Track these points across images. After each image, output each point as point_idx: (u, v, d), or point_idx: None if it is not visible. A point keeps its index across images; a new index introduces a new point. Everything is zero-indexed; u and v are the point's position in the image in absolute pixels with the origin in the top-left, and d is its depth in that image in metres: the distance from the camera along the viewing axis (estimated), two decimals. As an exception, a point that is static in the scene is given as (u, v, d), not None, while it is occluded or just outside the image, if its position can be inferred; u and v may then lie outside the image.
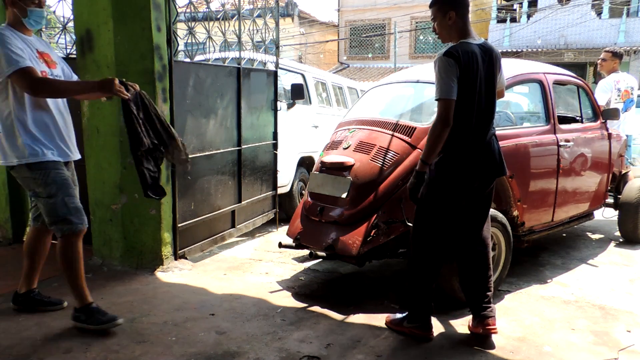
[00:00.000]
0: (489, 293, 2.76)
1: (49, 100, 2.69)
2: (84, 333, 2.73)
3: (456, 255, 2.82)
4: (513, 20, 20.38)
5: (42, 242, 2.98)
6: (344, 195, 3.29)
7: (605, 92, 5.32)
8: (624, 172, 4.93)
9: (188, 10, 4.07)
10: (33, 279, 3.02)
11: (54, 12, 4.77)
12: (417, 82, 3.95)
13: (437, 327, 2.87)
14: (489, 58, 2.63)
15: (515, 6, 20.74)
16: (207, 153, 4.11)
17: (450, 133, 2.57)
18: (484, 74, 2.61)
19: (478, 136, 2.64)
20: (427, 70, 4.11)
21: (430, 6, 2.69)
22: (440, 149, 2.60)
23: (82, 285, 2.77)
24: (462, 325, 2.91)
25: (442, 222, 2.70)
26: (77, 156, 2.92)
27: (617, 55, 5.60)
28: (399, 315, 2.88)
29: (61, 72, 2.83)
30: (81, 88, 2.82)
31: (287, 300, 3.28)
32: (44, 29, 4.38)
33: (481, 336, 2.74)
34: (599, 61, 5.74)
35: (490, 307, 2.74)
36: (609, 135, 4.47)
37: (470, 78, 2.54)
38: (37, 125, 2.64)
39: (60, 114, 2.77)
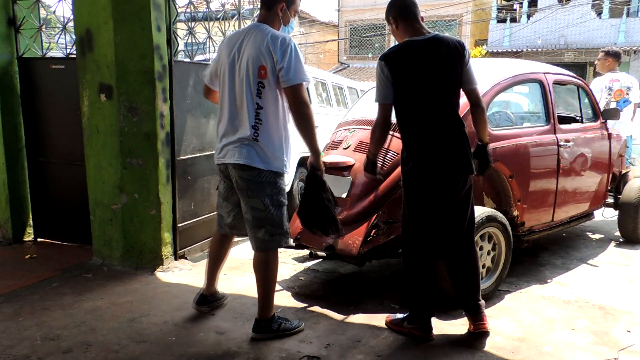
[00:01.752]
0: (477, 291, 2.78)
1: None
2: (84, 333, 2.74)
3: (443, 255, 2.82)
4: (513, 20, 20.38)
5: (227, 248, 3.02)
6: (344, 195, 3.29)
7: (595, 92, 5.34)
8: (624, 172, 4.93)
9: (188, 10, 4.07)
10: (214, 281, 3.05)
11: (54, 12, 4.78)
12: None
13: (436, 327, 2.86)
14: (437, 51, 2.53)
15: (515, 6, 20.74)
16: (207, 153, 4.11)
17: (403, 132, 2.65)
18: (431, 68, 2.53)
19: (434, 132, 2.59)
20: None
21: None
22: (402, 152, 2.73)
23: (273, 297, 2.76)
24: (462, 325, 2.91)
25: (422, 223, 2.71)
26: None
27: (610, 54, 5.60)
28: (399, 316, 2.88)
29: None
30: (311, 138, 2.65)
31: (287, 300, 3.28)
32: (44, 29, 4.38)
33: (475, 334, 2.76)
34: (596, 62, 5.75)
35: (479, 305, 2.77)
36: (609, 135, 4.47)
37: (408, 75, 2.54)
38: (288, 138, 2.71)
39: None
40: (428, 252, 2.73)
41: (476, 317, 2.77)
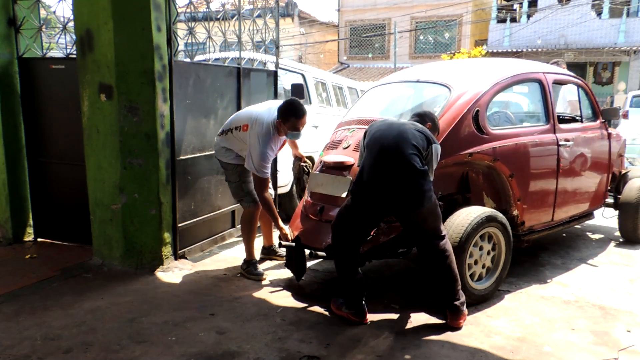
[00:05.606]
0: (452, 293, 2.89)
1: None
2: (84, 333, 2.75)
3: (419, 261, 3.08)
4: (513, 20, 20.38)
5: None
6: (343, 195, 3.29)
7: None
8: (624, 172, 4.93)
9: (188, 10, 4.07)
10: (270, 237, 4.10)
11: (54, 12, 4.78)
12: (417, 81, 3.95)
13: (437, 327, 2.88)
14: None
15: (515, 6, 20.74)
16: (207, 153, 4.11)
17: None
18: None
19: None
20: (427, 70, 4.11)
21: None
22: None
23: (252, 245, 3.75)
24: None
25: (352, 226, 2.96)
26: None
27: None
28: (340, 300, 3.04)
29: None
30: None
31: (287, 300, 3.28)
32: (44, 29, 4.38)
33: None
34: None
35: (456, 305, 2.88)
36: (609, 135, 4.47)
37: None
38: None
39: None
40: (353, 246, 2.99)
41: (453, 316, 2.89)
